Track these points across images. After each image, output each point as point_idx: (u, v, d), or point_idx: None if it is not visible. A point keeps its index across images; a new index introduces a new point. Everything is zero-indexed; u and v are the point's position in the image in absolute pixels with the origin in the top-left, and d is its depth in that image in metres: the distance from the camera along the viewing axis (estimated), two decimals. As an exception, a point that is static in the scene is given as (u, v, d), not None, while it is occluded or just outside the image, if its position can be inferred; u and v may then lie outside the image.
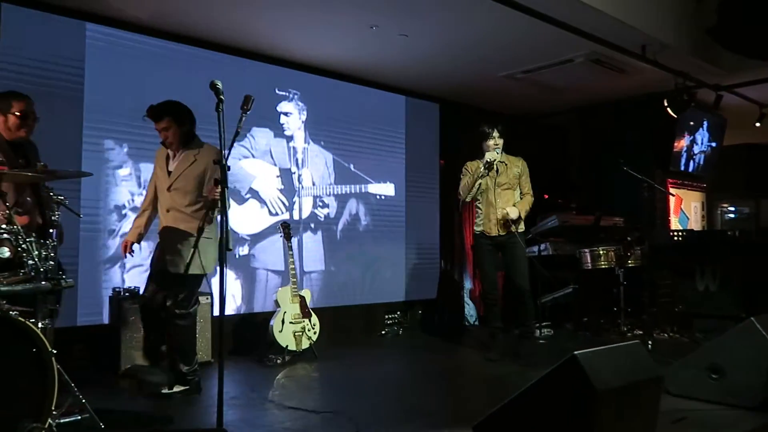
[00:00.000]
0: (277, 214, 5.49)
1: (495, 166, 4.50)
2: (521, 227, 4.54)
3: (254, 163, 5.40)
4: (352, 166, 6.08)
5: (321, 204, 5.86)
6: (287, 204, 5.60)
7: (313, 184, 5.80)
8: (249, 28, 4.75)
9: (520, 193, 4.65)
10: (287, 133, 5.65)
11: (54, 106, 3.98)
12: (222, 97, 2.72)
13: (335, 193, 5.99)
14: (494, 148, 4.52)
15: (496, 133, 4.54)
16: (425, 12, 4.41)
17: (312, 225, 5.79)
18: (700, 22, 5.17)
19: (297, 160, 5.70)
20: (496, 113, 7.15)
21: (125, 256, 3.71)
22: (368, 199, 6.22)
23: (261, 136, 5.43)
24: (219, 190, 3.04)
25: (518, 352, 4.49)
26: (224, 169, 2.63)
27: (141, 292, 3.97)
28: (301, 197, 5.72)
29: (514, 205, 4.53)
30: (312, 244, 5.76)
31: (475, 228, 4.73)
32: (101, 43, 4.39)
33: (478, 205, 4.67)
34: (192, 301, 3.59)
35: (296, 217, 5.65)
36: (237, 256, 5.14)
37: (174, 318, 3.51)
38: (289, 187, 5.64)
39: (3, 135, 3.17)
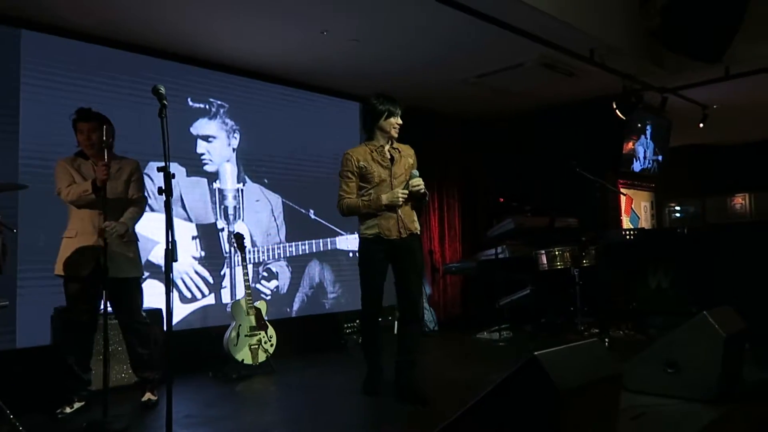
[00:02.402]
0: (195, 298, 3.79)
1: (388, 153, 3.60)
2: (418, 227, 3.68)
3: (154, 221, 3.52)
4: (312, 213, 4.49)
5: (266, 274, 4.20)
6: (211, 281, 3.88)
7: (254, 246, 4.12)
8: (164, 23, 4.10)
9: None
10: (209, 168, 4.03)
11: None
12: (165, 102, 2.62)
13: (288, 254, 4.34)
14: (396, 128, 3.58)
15: (399, 111, 3.56)
16: (375, 15, 4.36)
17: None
18: (645, 24, 5.31)
19: (226, 209, 4.04)
20: (452, 118, 7.19)
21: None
22: (336, 259, 4.49)
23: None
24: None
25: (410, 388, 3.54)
26: (168, 176, 2.52)
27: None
28: (233, 267, 4.08)
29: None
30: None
31: (365, 232, 3.59)
32: (38, 51, 4.18)
33: (365, 201, 3.55)
34: (142, 306, 3.58)
35: (226, 299, 3.92)
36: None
37: (137, 327, 3.48)
38: (215, 253, 4.00)
39: None
